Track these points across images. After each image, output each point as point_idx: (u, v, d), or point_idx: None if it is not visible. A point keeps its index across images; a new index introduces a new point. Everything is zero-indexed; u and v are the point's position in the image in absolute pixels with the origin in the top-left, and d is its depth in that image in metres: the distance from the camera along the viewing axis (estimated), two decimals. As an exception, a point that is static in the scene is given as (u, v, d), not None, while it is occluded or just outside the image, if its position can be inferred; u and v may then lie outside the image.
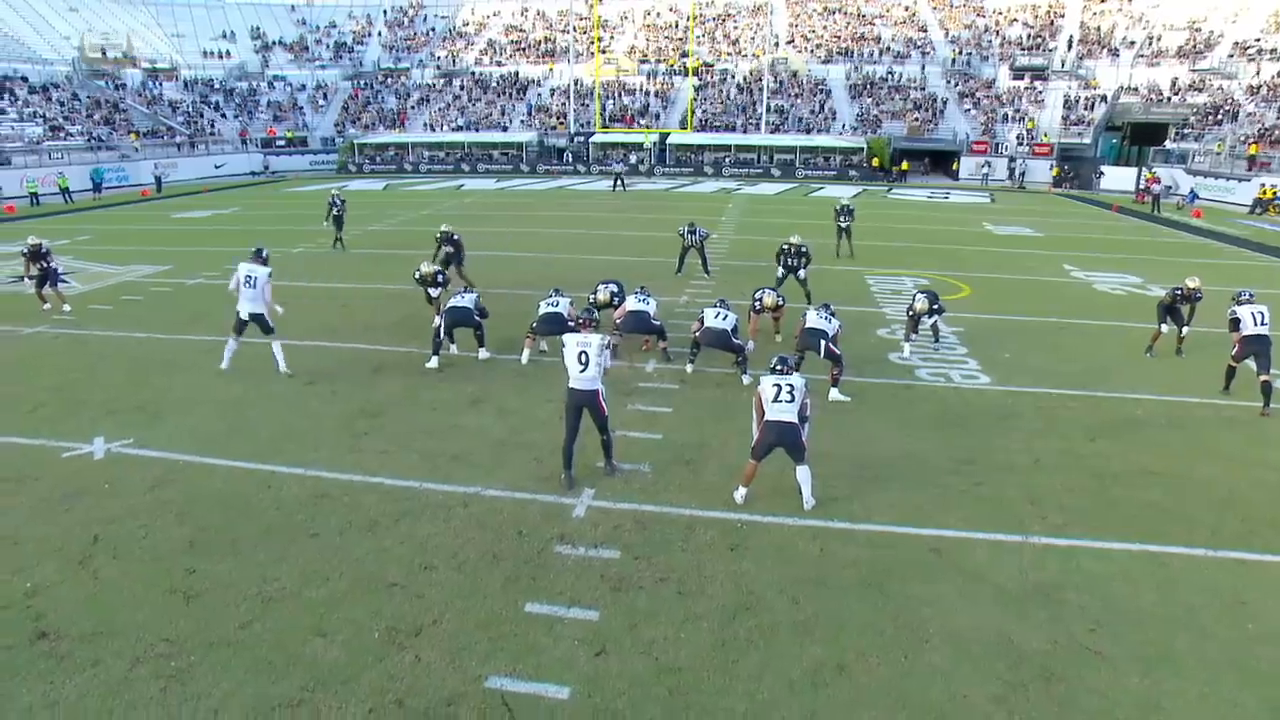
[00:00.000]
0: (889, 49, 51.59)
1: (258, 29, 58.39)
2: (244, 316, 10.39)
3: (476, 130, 49.34)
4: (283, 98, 53.04)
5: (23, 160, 35.17)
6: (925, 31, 53.04)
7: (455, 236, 15.67)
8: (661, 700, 4.71)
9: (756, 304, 11.70)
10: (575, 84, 49.72)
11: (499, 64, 55.57)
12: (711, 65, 52.30)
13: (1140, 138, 38.33)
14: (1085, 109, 44.53)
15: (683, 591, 5.79)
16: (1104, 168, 39.57)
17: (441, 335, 10.91)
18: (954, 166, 42.93)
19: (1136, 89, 44.28)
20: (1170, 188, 34.06)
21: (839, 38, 53.35)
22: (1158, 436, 8.92)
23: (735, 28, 56.07)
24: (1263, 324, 9.74)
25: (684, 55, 50.38)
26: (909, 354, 11.70)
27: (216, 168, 43.60)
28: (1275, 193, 30.84)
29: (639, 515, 6.87)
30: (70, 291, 14.93)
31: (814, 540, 6.54)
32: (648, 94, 50.80)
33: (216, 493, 7.28)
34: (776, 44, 53.08)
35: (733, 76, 51.31)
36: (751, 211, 29.58)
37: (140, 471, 7.69)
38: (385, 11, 62.19)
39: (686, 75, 49.06)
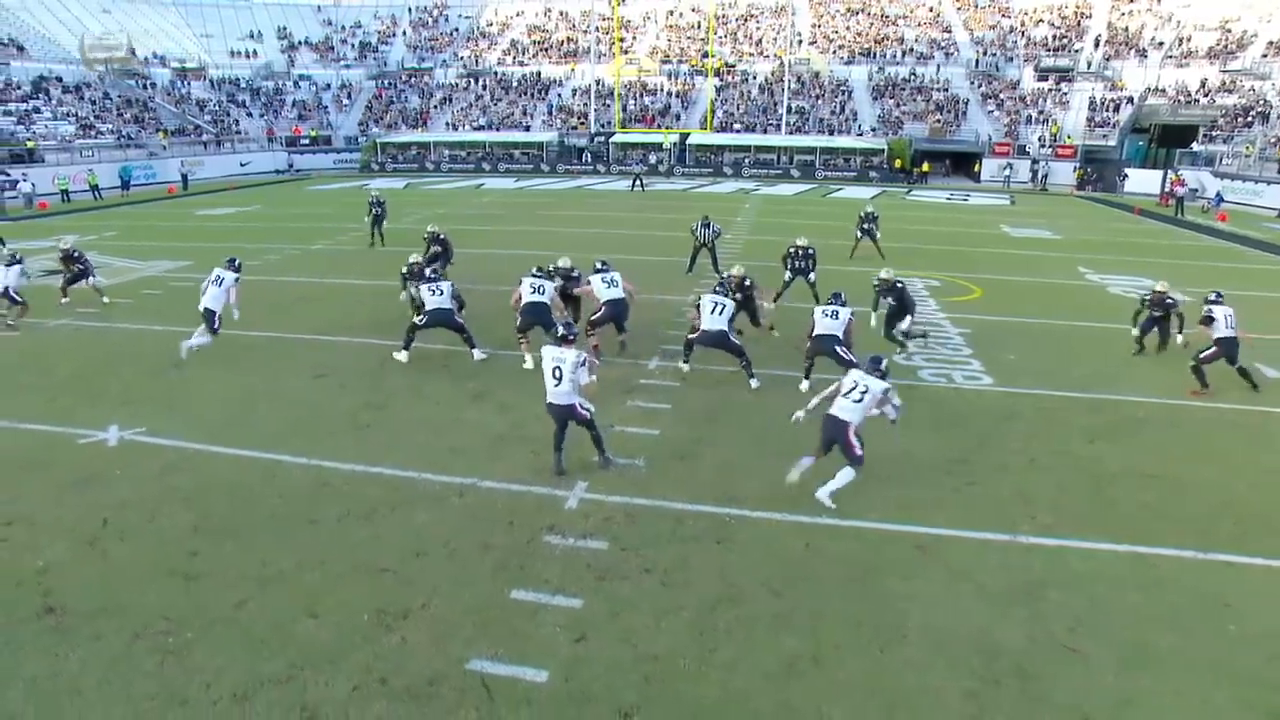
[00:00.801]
0: (912, 50, 51.29)
1: (284, 29, 59.21)
2: (200, 309, 11.10)
3: (498, 130, 49.72)
4: (308, 97, 53.79)
5: (55, 158, 35.99)
6: (949, 32, 52.65)
7: (442, 236, 15.99)
8: (636, 686, 4.84)
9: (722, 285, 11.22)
10: (597, 84, 49.96)
11: (521, 64, 55.95)
12: (733, 66, 52.30)
13: (1168, 140, 37.77)
14: (1110, 111, 44.01)
15: (666, 583, 5.92)
16: (1128, 170, 39.07)
17: (415, 334, 10.91)
18: (975, 168, 42.61)
19: (1164, 90, 43.69)
20: (1196, 190, 33.58)
21: (861, 38, 53.12)
22: (1157, 439, 8.90)
23: (758, 28, 56.00)
24: (1231, 327, 10.19)
25: (706, 55, 50.41)
26: (873, 324, 11.95)
27: (242, 166, 44.32)
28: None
29: (630, 508, 6.99)
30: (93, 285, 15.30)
31: (801, 536, 6.64)
32: (669, 94, 50.91)
33: (222, 480, 7.51)
34: (800, 42, 52.98)
35: (754, 77, 51.28)
36: (768, 212, 29.59)
37: (151, 459, 7.95)
38: (410, 11, 62.81)
39: (708, 75, 49.13)
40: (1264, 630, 5.52)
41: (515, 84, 53.99)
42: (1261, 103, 40.87)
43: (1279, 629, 5.52)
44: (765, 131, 46.80)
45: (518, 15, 61.18)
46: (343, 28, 61.29)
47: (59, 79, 43.50)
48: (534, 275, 11.03)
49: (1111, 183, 39.11)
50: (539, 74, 54.37)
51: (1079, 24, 51.14)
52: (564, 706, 4.66)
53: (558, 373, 7.26)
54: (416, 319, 10.94)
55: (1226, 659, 5.23)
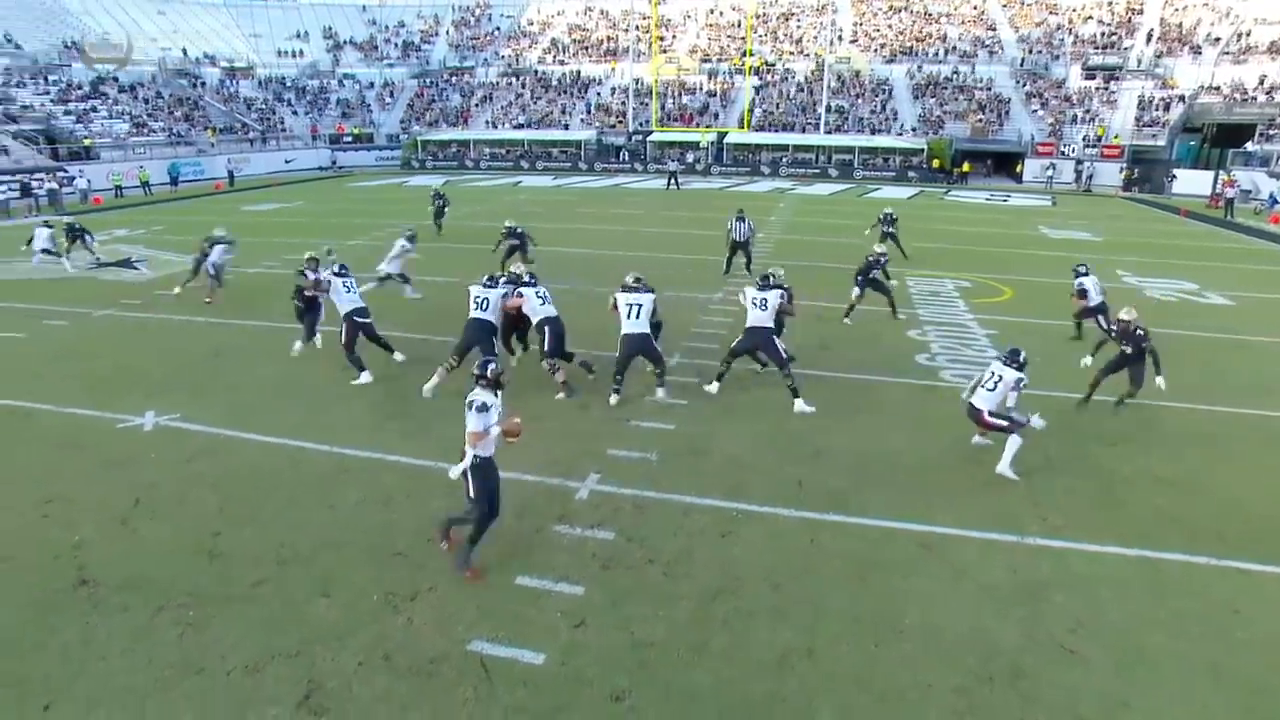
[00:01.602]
0: (955, 48, 50.53)
1: (330, 28, 60.41)
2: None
3: (537, 128, 50.17)
4: (351, 95, 54.83)
5: (109, 155, 37.25)
6: (994, 30, 51.75)
7: (519, 230, 16.44)
8: (630, 671, 4.97)
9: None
10: (636, 83, 50.11)
11: (562, 63, 56.34)
12: (773, 64, 52.06)
13: (1222, 139, 36.68)
14: (1160, 110, 42.88)
15: (668, 573, 6.03)
16: (1176, 171, 38.07)
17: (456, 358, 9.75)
18: (1017, 169, 41.87)
19: (1218, 88, 42.44)
20: (1249, 192, 32.63)
21: (904, 36, 52.48)
22: (1178, 443, 8.77)
23: (798, 26, 55.64)
24: (1100, 294, 11.90)
25: (745, 54, 50.25)
26: (855, 293, 13.05)
27: (287, 163, 45.39)
28: (1363, 199, 29.30)
29: (639, 500, 7.12)
30: (139, 279, 15.92)
31: (805, 531, 6.70)
32: (707, 93, 50.87)
33: (248, 465, 7.81)
34: (840, 39, 52.52)
35: (793, 75, 50.97)
36: (802, 211, 29.46)
37: (182, 443, 8.30)
38: (453, 10, 63.62)
39: (746, 74, 48.98)
40: (1271, 637, 5.46)
41: (555, 83, 54.40)
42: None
43: (1286, 636, 5.45)
44: (804, 131, 46.51)
45: (558, 14, 61.60)
46: (386, 27, 62.31)
47: (115, 79, 44.96)
48: (485, 284, 9.82)
49: (1159, 184, 38.15)
50: (578, 73, 54.72)
51: (1129, 20, 49.88)
52: (558, 687, 4.81)
53: (482, 408, 5.71)
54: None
55: (1229, 665, 5.19)
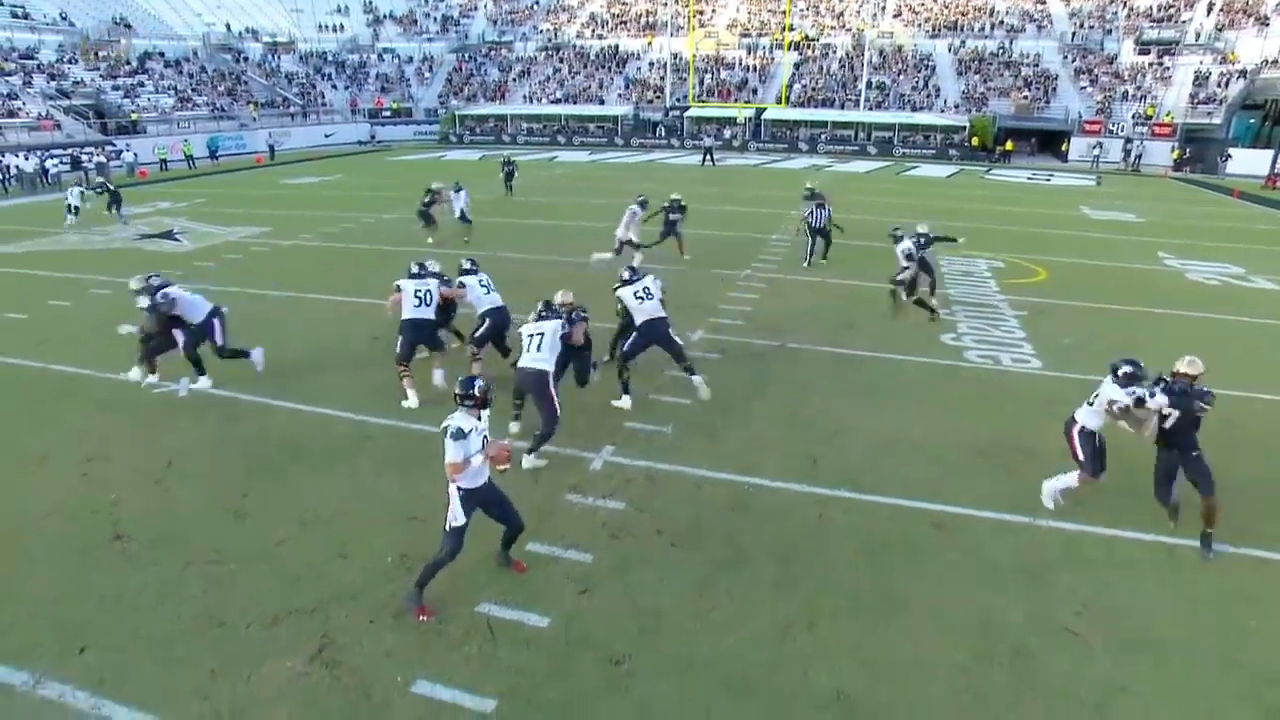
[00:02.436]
0: (1002, 22, 49.16)
1: (370, 3, 60.74)
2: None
3: (574, 103, 50.07)
4: (390, 70, 55.19)
5: (155, 129, 38.08)
6: (1044, 3, 50.21)
7: (681, 204, 15.66)
8: (631, 637, 5.10)
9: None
10: (674, 57, 49.66)
11: (600, 37, 56.02)
12: (814, 39, 51.18)
13: (1287, 117, 35.33)
14: (1219, 86, 41.34)
15: (676, 544, 6.14)
16: (1232, 150, 36.75)
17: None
18: (1063, 148, 40.78)
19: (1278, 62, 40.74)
20: (1310, 173, 31.46)
21: (949, 10, 51.18)
22: (1208, 431, 8.57)
23: (840, 0, 54.57)
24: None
25: (786, 29, 49.46)
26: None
27: (326, 137, 45.97)
28: None
29: (651, 472, 7.23)
30: (180, 250, 16.36)
31: (815, 507, 6.75)
32: (746, 68, 50.24)
33: (277, 430, 8.08)
34: (883, 12, 51.41)
35: (834, 51, 50.09)
36: (837, 189, 29.06)
37: (216, 409, 8.60)
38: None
39: (785, 49, 48.24)
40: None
41: (593, 57, 54.15)
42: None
43: (1299, 625, 5.38)
44: (843, 107, 45.76)
45: (598, -12, 61.21)
46: (426, 1, 62.46)
47: (161, 54, 45.80)
48: (417, 274, 8.81)
49: (1212, 164, 36.89)
50: (616, 47, 54.36)
51: (1189, -7, 48.01)
52: (559, 650, 4.96)
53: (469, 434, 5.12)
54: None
55: (1237, 654, 5.14)
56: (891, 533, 6.43)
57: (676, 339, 8.68)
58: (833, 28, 52.27)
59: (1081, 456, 6.52)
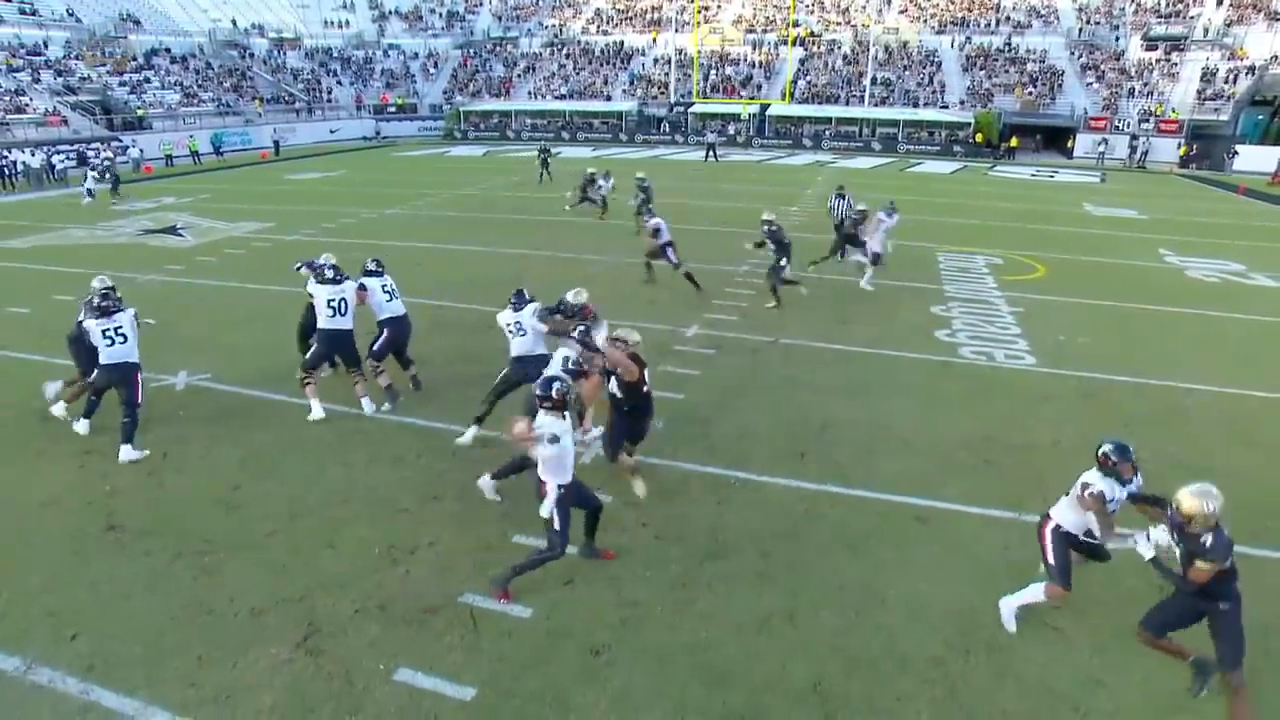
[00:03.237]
0: (1009, 18, 48.96)
1: (376, -1, 60.89)
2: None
3: (579, 99, 50.08)
4: (395, 66, 55.30)
5: (161, 125, 38.28)
6: (1051, -1, 49.99)
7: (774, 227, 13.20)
8: (613, 628, 5.16)
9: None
10: (679, 53, 49.64)
11: (605, 33, 56.00)
12: (819, 35, 51.06)
13: (1296, 113, 35.21)
14: (1226, 82, 41.09)
15: (660, 536, 6.21)
16: (1239, 147, 36.57)
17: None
18: (1069, 144, 40.62)
19: (1287, 60, 40.47)
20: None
21: (955, 5, 50.98)
22: (1200, 428, 8.62)
23: (847, -4, 54.41)
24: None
25: (790, 24, 49.35)
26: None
27: (331, 132, 46.13)
28: None
29: (640, 466, 7.27)
30: (183, 245, 16.49)
31: (801, 501, 6.80)
32: (752, 64, 50.17)
33: (271, 423, 8.17)
34: (889, 6, 51.23)
35: (839, 47, 49.96)
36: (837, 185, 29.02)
37: (211, 402, 8.72)
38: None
39: (790, 45, 48.14)
40: (1265, 624, 5.41)
41: (598, 53, 54.14)
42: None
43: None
44: (848, 103, 45.67)
45: (604, -16, 61.16)
46: (432, -3, 62.55)
47: (168, 50, 46.00)
48: (330, 279, 8.12)
49: (1219, 160, 36.71)
50: (621, 43, 54.34)
51: (1197, -12, 47.69)
52: (540, 640, 5.03)
53: None
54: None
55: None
56: (875, 527, 6.48)
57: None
58: (838, 24, 52.12)
59: (1052, 560, 5.25)
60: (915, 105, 44.50)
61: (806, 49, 49.78)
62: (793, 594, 5.58)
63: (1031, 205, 24.62)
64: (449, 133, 49.27)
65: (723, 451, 7.64)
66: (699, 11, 50.34)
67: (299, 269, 9.22)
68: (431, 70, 55.55)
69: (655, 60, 52.27)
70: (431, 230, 18.97)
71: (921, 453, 7.78)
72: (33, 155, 29.19)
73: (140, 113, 38.38)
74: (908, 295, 13.36)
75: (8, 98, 34.63)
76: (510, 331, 7.50)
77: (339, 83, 52.59)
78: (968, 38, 48.09)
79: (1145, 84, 42.56)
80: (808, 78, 47.84)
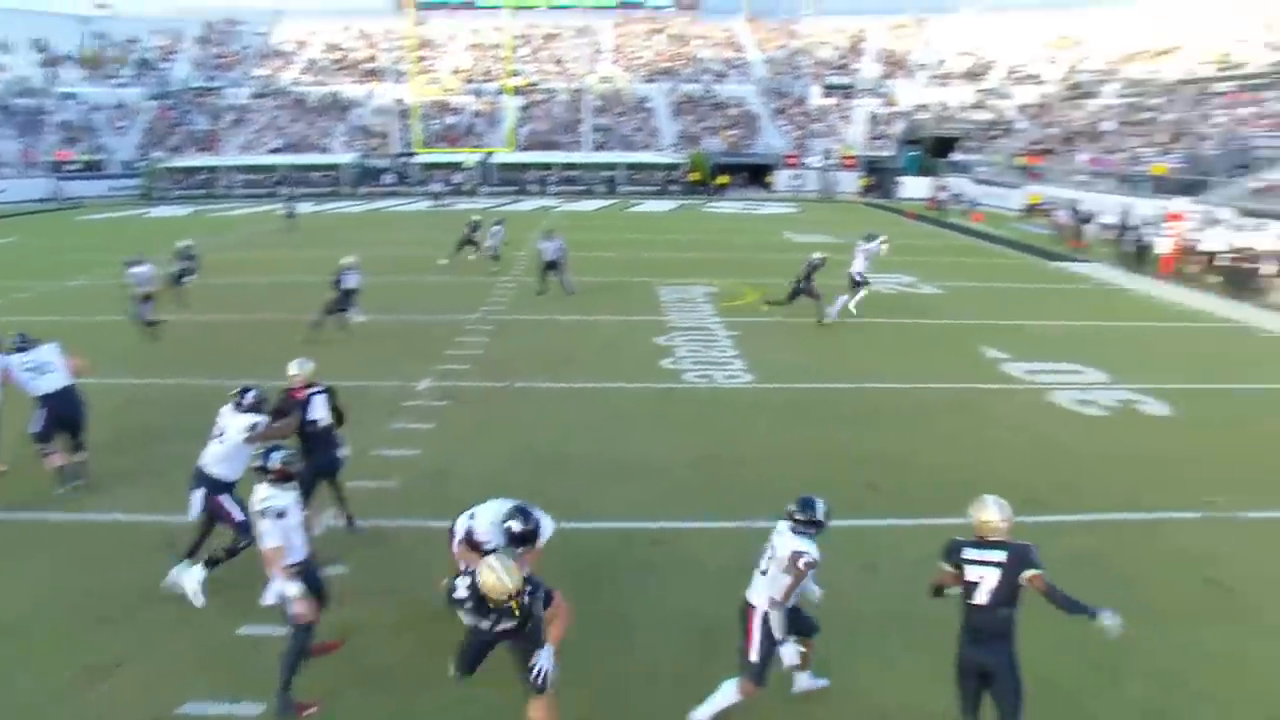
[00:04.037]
0: (708, 69, 54.11)
1: (42, 40, 53.53)
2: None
3: (295, 152, 47.45)
4: (74, 117, 48.89)
5: None
6: (742, 52, 56.03)
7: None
8: (352, 704, 4.94)
9: None
10: (399, 104, 48.91)
11: (320, 83, 53.78)
12: (536, 84, 52.88)
13: (940, 150, 42.39)
14: (886, 125, 48.44)
15: (404, 600, 6.05)
16: (901, 178, 43.17)
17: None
18: (767, 180, 45.55)
19: (926, 107, 48.70)
20: (958, 195, 37.65)
21: (660, 57, 55.41)
22: (894, 421, 9.90)
23: (561, 47, 57.02)
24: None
25: (508, 75, 50.66)
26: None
27: (-4, 194, 39.62)
28: (1040, 199, 34.76)
29: (377, 530, 7.06)
30: None
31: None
32: (474, 113, 50.71)
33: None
34: (600, 55, 54.41)
35: (557, 95, 52.12)
36: (567, 228, 30.18)
37: None
38: (195, 27, 58.69)
39: (508, 95, 49.30)
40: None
41: (313, 104, 51.81)
42: (1004, 119, 46.54)
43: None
44: (569, 149, 47.66)
45: (313, 33, 58.80)
46: (115, 42, 56.30)
47: None
48: (18, 348, 7.59)
49: (889, 189, 43.07)
50: (337, 94, 52.46)
51: (856, 47, 56.00)
52: (272, 733, 4.69)
53: None
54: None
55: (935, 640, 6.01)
56: (614, 555, 6.79)
57: None
58: (556, 73, 54.40)
59: (745, 648, 4.64)
60: (631, 149, 47.49)
61: (526, 98, 51.31)
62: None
63: (740, 236, 27.24)
64: (147, 192, 44.15)
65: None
66: (417, 61, 50.04)
67: None
68: (121, 123, 49.76)
69: (374, 111, 51.06)
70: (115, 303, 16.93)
71: (650, 477, 8.26)
72: None
73: None
74: (634, 329, 14.18)
75: None
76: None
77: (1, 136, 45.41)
78: (674, 86, 52.36)
79: (827, 126, 48.97)
80: (529, 125, 49.28)
